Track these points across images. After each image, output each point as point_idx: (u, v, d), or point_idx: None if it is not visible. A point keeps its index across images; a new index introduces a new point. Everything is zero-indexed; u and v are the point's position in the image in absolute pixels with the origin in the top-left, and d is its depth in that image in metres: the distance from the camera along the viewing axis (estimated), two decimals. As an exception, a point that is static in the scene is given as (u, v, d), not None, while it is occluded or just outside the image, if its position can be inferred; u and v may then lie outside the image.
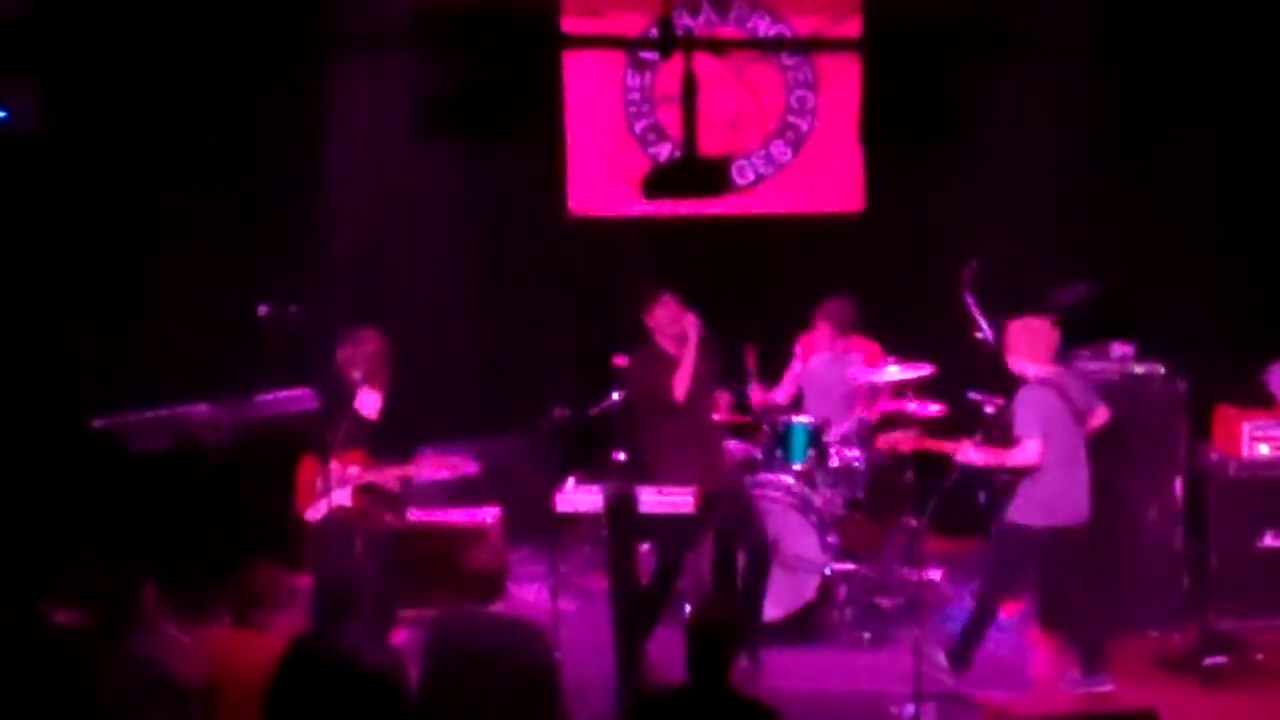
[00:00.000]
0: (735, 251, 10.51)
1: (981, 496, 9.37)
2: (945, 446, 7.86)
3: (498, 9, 10.30)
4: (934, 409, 9.17)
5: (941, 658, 7.72)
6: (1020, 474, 7.57)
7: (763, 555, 8.13)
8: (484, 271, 10.84)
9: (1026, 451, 7.49)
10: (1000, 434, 7.89)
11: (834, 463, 8.86)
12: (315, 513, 7.84)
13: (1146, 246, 10.24)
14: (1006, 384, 8.35)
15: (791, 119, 10.77)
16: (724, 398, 8.28)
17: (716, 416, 8.23)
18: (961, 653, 7.73)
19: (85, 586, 6.21)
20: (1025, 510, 7.58)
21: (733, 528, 8.10)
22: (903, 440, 8.09)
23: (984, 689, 7.74)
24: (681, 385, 7.77)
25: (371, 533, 7.82)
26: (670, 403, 7.77)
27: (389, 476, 7.81)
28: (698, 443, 7.90)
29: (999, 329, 8.61)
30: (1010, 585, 7.91)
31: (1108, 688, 7.61)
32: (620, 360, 9.07)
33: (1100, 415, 7.78)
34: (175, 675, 6.01)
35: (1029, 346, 7.64)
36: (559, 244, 10.84)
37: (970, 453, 7.68)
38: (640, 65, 10.76)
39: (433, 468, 8.04)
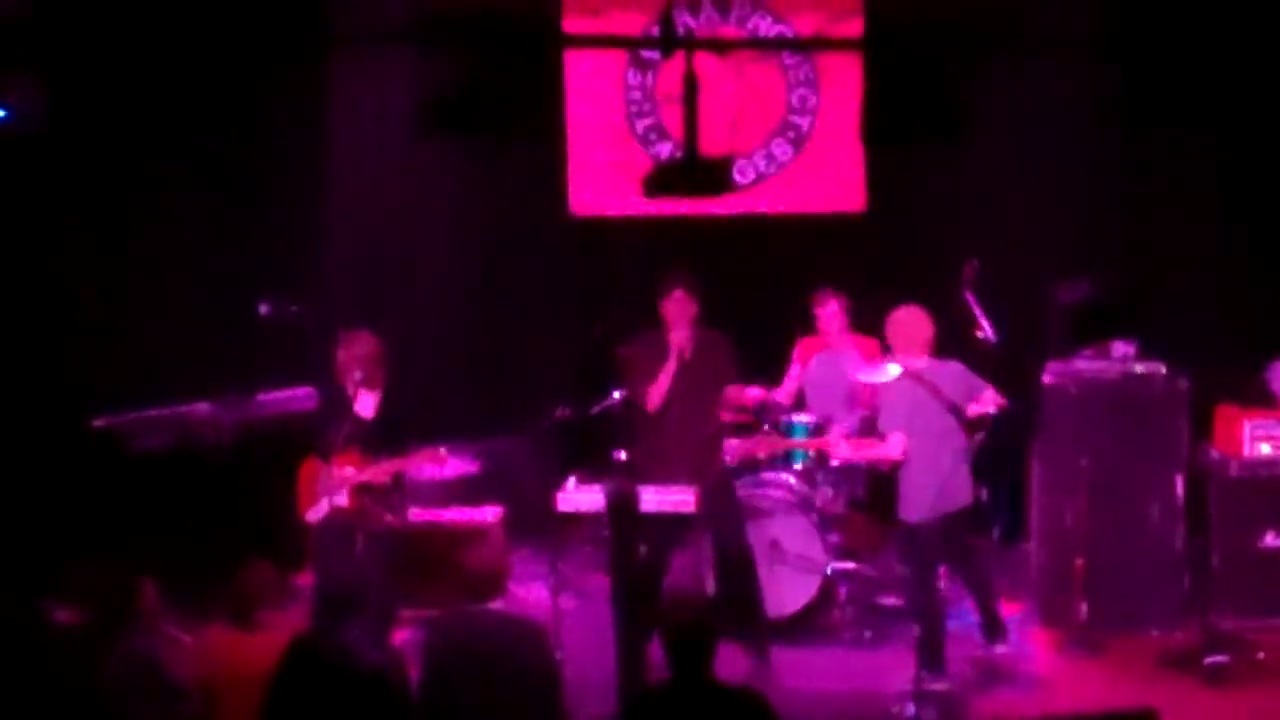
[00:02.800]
0: (736, 251, 10.50)
1: (983, 496, 9.39)
2: (816, 444, 8.13)
3: (498, 8, 10.29)
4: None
5: (931, 678, 7.61)
6: (897, 471, 7.65)
7: (739, 560, 8.14)
8: (485, 271, 10.83)
9: (893, 445, 7.57)
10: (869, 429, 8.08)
11: (835, 462, 8.85)
12: (316, 514, 7.83)
13: (1147, 246, 10.23)
14: (1007, 383, 8.35)
15: (792, 118, 10.76)
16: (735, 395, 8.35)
17: (723, 415, 8.28)
18: (932, 658, 7.63)
19: (85, 585, 6.20)
20: (914, 507, 7.63)
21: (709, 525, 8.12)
22: (758, 445, 8.38)
23: (984, 689, 7.74)
24: (655, 397, 8.01)
25: (372, 533, 7.81)
26: (643, 407, 8.02)
27: (381, 471, 7.80)
28: (677, 438, 7.97)
29: (999, 328, 8.62)
30: (933, 580, 7.79)
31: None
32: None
33: (988, 399, 7.76)
34: (174, 674, 6.01)
35: (903, 339, 7.71)
36: (560, 243, 10.83)
37: (844, 449, 7.94)
38: (641, 64, 10.75)
39: (424, 460, 8.02)
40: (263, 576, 6.25)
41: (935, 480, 7.57)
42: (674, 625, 5.39)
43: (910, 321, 7.73)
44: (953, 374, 7.75)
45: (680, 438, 7.98)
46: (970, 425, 7.74)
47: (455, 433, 8.45)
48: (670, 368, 7.96)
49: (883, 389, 7.70)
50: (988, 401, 7.77)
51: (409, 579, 8.28)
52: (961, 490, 7.70)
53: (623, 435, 9.15)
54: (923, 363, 7.67)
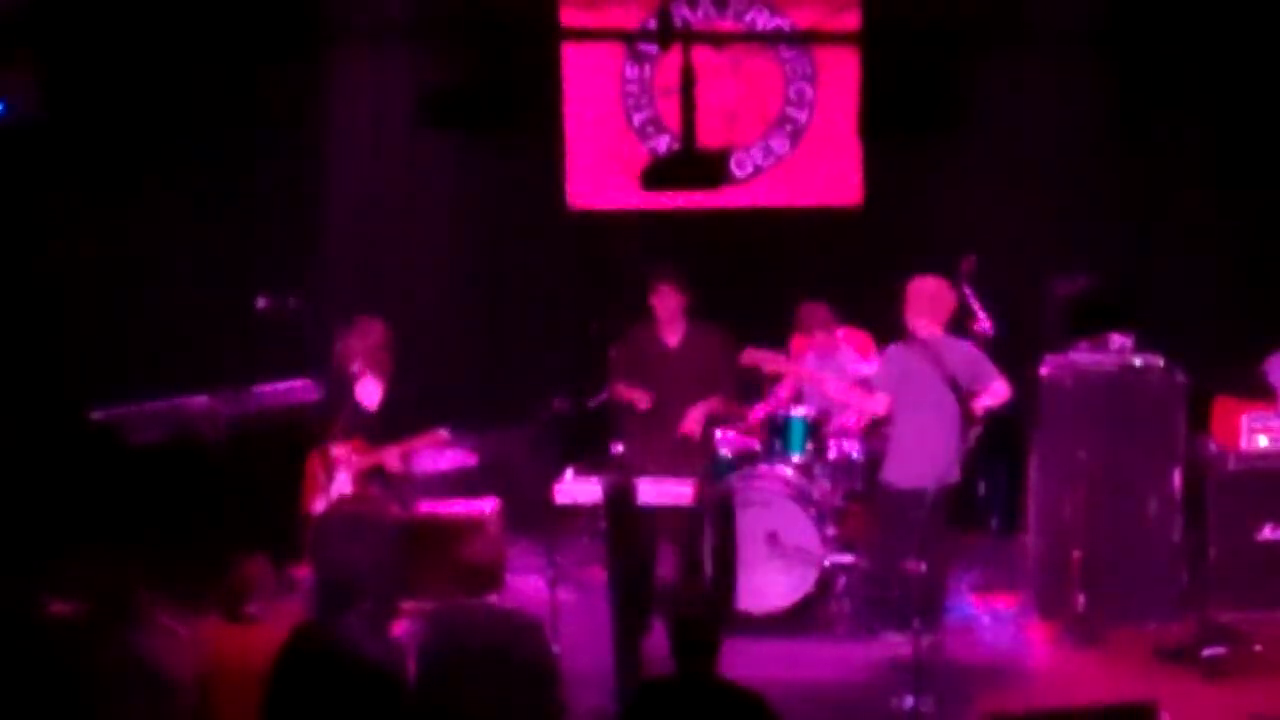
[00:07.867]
0: (733, 244, 10.51)
1: (981, 488, 9.40)
2: (804, 374, 8.27)
3: (496, 2, 10.29)
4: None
5: (893, 635, 7.75)
6: (885, 430, 7.84)
7: (722, 553, 8.18)
8: (483, 263, 10.83)
9: (874, 400, 7.77)
10: None
11: (832, 455, 8.86)
12: (319, 505, 7.84)
13: (1145, 239, 10.24)
14: (1005, 376, 8.35)
15: (790, 111, 10.75)
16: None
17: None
18: (927, 619, 7.59)
19: (83, 578, 6.21)
20: (890, 468, 7.83)
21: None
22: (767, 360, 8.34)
23: (982, 682, 7.74)
24: (643, 402, 8.23)
25: (373, 523, 7.82)
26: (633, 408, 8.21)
27: (389, 456, 7.81)
28: (665, 432, 8.08)
29: (998, 323, 8.63)
30: (899, 544, 7.72)
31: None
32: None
33: (996, 392, 7.79)
34: (172, 667, 6.01)
35: (921, 307, 7.81)
36: (558, 236, 10.83)
37: (832, 385, 8.06)
38: (639, 57, 10.75)
39: (426, 443, 8.03)
40: (251, 570, 6.26)
41: (922, 449, 7.68)
42: (682, 622, 5.38)
43: (932, 292, 7.86)
44: (963, 354, 7.84)
45: (667, 432, 8.01)
46: (970, 417, 7.74)
47: (454, 424, 8.46)
48: (645, 400, 8.20)
49: (884, 352, 7.79)
50: (996, 393, 7.80)
51: (406, 570, 8.27)
52: (949, 468, 7.72)
53: (620, 428, 9.17)
54: (934, 334, 7.77)
